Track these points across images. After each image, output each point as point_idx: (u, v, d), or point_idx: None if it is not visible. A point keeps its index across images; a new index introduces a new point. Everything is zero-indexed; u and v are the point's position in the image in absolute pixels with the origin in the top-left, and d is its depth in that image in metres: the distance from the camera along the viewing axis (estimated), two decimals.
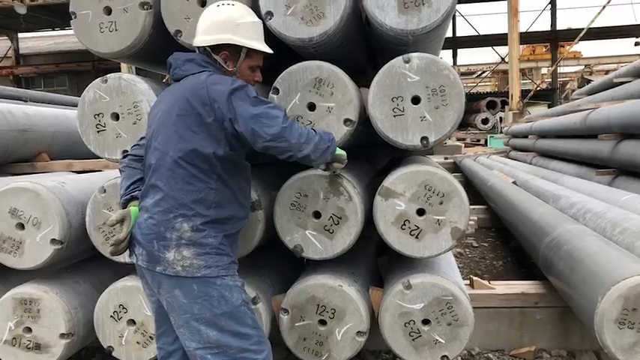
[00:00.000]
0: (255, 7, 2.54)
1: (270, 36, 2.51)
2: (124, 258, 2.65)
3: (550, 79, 25.14)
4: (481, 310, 3.30)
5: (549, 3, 25.40)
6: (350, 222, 2.62)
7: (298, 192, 2.65)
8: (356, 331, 2.70)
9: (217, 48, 2.28)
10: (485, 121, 20.52)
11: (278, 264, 3.24)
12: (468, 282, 3.51)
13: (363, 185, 2.86)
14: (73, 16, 2.80)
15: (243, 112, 2.13)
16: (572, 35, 21.54)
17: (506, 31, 16.86)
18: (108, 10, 2.76)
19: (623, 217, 3.48)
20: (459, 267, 4.50)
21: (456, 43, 26.27)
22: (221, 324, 2.15)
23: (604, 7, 16.38)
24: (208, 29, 2.28)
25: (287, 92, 2.61)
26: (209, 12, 2.32)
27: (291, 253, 2.72)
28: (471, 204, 2.78)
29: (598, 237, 3.23)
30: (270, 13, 2.58)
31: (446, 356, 2.67)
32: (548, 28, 25.62)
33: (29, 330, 2.87)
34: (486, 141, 17.14)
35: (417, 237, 2.58)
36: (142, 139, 2.46)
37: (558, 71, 26.39)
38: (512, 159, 10.93)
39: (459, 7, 25.42)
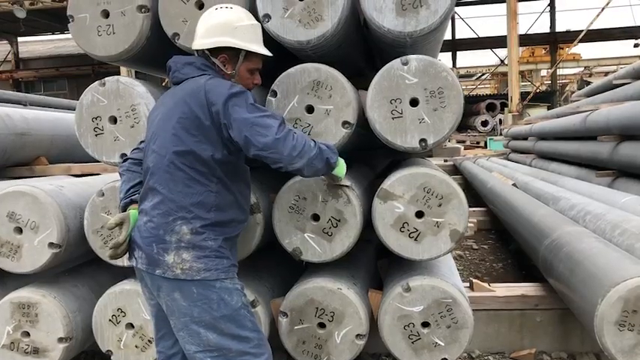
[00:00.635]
0: (253, 9, 2.54)
1: (268, 39, 2.51)
2: (123, 261, 2.64)
3: (549, 81, 25.21)
4: (481, 312, 3.29)
5: (548, 5, 25.47)
6: (349, 225, 2.61)
7: (297, 195, 2.64)
8: (355, 334, 2.69)
9: (216, 51, 2.28)
10: (484, 124, 20.54)
11: (277, 267, 3.23)
12: (468, 284, 3.50)
13: (362, 188, 2.85)
14: (70, 19, 2.80)
15: (238, 118, 2.11)
16: (571, 37, 21.61)
17: (505, 34, 16.92)
18: (105, 14, 2.75)
19: (623, 218, 3.48)
20: (459, 269, 4.50)
21: (455, 46, 26.34)
22: (221, 327, 2.14)
23: (603, 8, 16.43)
24: (207, 32, 2.28)
25: (285, 95, 2.61)
26: (207, 15, 2.32)
27: (290, 256, 2.71)
28: (471, 206, 2.78)
29: (598, 239, 3.22)
30: (267, 16, 2.57)
31: (445, 359, 2.66)
32: (547, 30, 25.68)
33: (27, 334, 2.86)
34: (486, 143, 17.17)
35: (416, 239, 2.58)
36: (142, 142, 2.46)
37: (558, 73, 26.42)
38: (511, 161, 10.95)
39: (458, 9, 25.56)
